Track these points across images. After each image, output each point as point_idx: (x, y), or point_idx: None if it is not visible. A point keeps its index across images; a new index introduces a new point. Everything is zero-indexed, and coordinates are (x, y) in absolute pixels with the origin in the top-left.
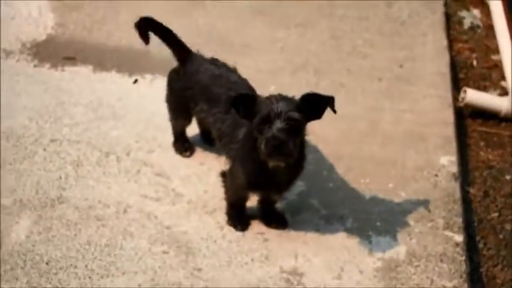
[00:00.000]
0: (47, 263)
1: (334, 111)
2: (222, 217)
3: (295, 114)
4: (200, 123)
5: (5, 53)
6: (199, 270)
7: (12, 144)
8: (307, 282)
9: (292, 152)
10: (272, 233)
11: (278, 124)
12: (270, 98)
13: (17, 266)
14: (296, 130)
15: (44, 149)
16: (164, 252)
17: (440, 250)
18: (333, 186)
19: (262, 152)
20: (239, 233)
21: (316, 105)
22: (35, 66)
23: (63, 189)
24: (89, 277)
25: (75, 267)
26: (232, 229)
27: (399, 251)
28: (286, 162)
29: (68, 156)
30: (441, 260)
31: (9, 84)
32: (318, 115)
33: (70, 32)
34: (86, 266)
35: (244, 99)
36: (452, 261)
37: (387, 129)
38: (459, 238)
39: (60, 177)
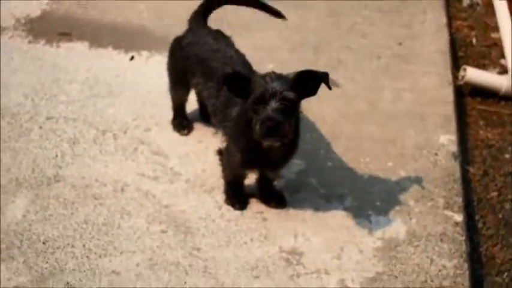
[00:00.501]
0: (43, 243)
1: (329, 87)
2: (220, 196)
3: (290, 94)
4: (198, 97)
5: None
6: (198, 249)
7: (7, 121)
8: (307, 262)
9: (288, 132)
10: (271, 212)
11: (273, 104)
12: (264, 76)
13: (13, 246)
14: (291, 110)
15: (40, 127)
16: (162, 232)
17: (440, 230)
18: (332, 166)
19: (257, 132)
20: (238, 212)
21: (310, 82)
22: (30, 42)
23: (59, 167)
24: (87, 256)
25: (73, 246)
26: (230, 208)
27: (399, 230)
28: (281, 142)
29: (64, 134)
30: (441, 240)
31: (4, 61)
32: (312, 92)
33: (65, 8)
34: (84, 245)
35: (237, 78)
36: (452, 241)
37: (386, 108)
38: (459, 218)
39: (57, 156)
